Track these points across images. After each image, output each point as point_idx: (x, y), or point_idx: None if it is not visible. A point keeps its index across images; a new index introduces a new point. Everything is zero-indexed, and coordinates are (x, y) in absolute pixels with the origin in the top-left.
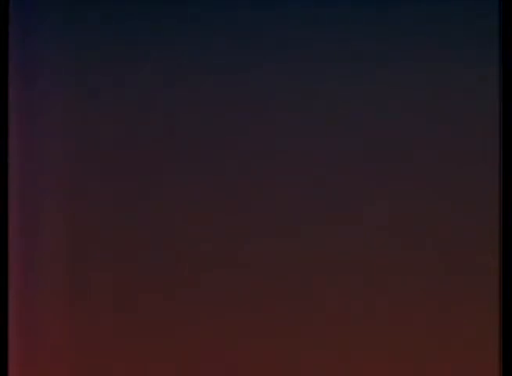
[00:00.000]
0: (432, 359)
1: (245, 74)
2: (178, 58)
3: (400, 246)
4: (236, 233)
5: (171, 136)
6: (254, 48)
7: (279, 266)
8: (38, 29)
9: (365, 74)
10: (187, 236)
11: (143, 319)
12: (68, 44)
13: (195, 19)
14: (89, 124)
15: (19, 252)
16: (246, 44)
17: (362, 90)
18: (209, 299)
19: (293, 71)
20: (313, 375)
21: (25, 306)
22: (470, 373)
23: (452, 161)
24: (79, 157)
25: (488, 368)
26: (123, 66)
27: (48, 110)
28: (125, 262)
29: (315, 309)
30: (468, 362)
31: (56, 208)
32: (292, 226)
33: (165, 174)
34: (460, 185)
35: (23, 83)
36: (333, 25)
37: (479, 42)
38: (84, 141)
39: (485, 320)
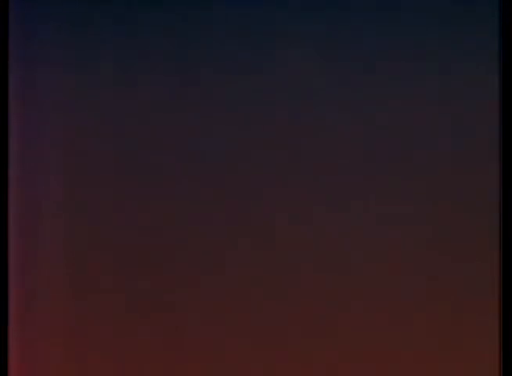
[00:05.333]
0: (432, 359)
1: (245, 74)
2: (179, 57)
3: (400, 246)
4: (236, 233)
5: (172, 136)
6: (253, 47)
7: (278, 266)
8: (38, 29)
9: (364, 74)
10: (186, 237)
11: (143, 319)
12: (68, 43)
13: (195, 18)
14: (89, 124)
15: (19, 252)
16: (246, 44)
17: (362, 90)
18: (209, 300)
19: (293, 71)
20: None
21: (25, 306)
22: (470, 373)
23: (451, 161)
24: (79, 157)
25: (488, 368)
26: (123, 66)
27: (48, 109)
28: (125, 263)
29: (315, 309)
30: (468, 362)
31: (56, 208)
32: (292, 227)
33: (165, 175)
34: (460, 185)
35: (23, 82)
36: (333, 25)
37: (479, 42)
38: (85, 141)
39: (485, 320)
